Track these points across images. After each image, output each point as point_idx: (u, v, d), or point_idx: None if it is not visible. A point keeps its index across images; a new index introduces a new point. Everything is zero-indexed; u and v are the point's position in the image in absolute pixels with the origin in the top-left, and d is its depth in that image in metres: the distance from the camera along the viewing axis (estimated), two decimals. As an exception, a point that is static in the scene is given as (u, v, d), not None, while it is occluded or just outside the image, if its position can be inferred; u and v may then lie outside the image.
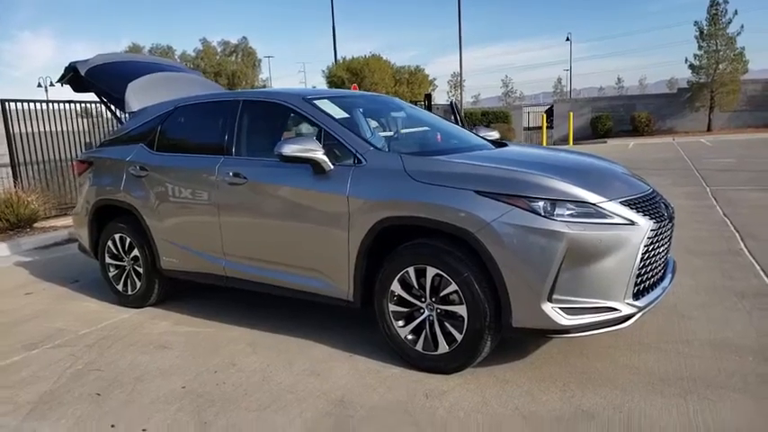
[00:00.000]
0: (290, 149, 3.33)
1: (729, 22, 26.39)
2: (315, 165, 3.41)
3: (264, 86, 50.25)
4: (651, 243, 2.99)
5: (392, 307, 3.25)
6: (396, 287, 3.21)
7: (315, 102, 3.76)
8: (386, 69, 30.44)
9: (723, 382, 2.92)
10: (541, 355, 3.33)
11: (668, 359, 3.21)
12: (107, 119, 10.65)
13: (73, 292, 5.22)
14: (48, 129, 9.36)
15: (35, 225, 8.28)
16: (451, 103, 5.93)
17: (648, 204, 3.12)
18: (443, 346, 3.09)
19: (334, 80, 28.76)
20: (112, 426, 2.81)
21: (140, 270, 4.52)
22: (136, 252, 4.51)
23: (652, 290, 3.10)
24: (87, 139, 10.29)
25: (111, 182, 4.60)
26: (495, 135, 4.63)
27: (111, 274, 4.74)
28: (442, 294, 3.06)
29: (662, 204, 3.29)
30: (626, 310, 2.88)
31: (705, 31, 26.74)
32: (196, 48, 46.38)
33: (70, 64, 5.13)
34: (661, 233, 3.12)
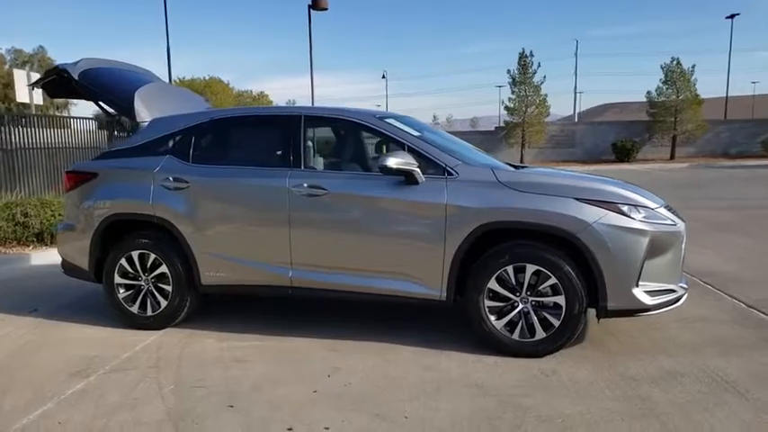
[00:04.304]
0: (393, 162, 3.61)
1: (535, 73, 31.04)
2: (409, 176, 3.71)
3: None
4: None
5: (488, 302, 3.67)
6: (493, 284, 3.64)
7: (387, 120, 4.06)
8: (228, 92, 29.90)
9: (745, 342, 3.83)
10: (596, 336, 4.00)
11: (690, 332, 4.06)
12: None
13: (48, 321, 4.64)
14: None
15: None
16: None
17: (674, 210, 4.00)
18: (540, 333, 3.60)
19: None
20: (289, 429, 2.80)
21: (166, 288, 4.25)
22: (163, 269, 4.24)
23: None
24: None
25: (132, 194, 4.28)
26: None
27: (120, 296, 4.35)
28: (540, 288, 3.58)
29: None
30: (680, 292, 3.71)
31: (516, 79, 31.08)
32: (-25, 55, 40.08)
33: (56, 66, 4.66)
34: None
